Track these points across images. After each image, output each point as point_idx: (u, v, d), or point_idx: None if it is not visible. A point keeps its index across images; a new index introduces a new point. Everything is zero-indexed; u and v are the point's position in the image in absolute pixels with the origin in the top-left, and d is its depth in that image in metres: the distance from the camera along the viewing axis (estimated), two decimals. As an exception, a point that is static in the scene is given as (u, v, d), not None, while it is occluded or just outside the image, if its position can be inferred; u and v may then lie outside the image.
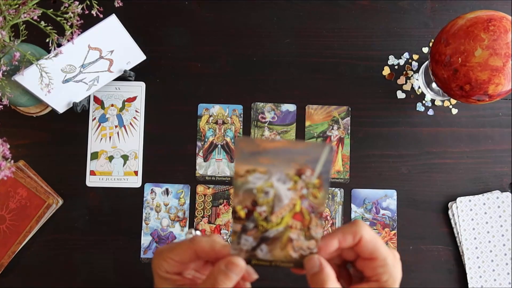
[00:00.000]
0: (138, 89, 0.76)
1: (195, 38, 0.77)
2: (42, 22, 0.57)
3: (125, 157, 0.75)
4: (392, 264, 0.38)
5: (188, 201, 0.74)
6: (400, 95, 0.77)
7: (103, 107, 0.76)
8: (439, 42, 0.64)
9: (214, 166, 0.75)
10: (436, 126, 0.76)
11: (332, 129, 0.76)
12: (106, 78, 0.73)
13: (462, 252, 0.73)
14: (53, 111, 0.72)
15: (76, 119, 0.75)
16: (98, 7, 0.58)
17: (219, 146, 0.76)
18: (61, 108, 0.72)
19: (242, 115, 0.76)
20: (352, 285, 0.41)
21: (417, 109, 0.77)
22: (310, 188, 0.37)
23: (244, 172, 0.37)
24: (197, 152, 0.75)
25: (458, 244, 0.74)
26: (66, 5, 0.57)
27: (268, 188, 0.37)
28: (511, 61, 0.60)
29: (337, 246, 0.39)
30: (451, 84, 0.63)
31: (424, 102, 0.77)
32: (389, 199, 0.75)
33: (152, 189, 0.75)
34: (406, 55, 0.78)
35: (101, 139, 0.75)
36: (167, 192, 0.75)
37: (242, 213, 0.38)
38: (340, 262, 0.42)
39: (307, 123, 0.76)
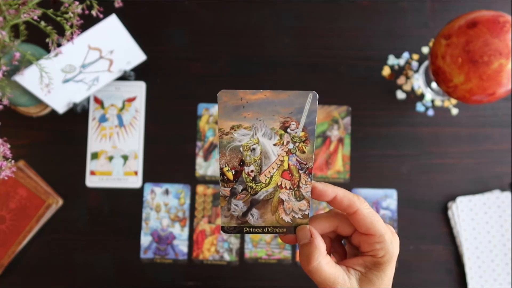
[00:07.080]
0: (138, 89, 0.76)
1: (195, 38, 0.77)
2: (42, 22, 0.57)
3: (125, 157, 0.75)
4: (389, 241, 0.38)
5: (188, 201, 0.74)
6: (400, 95, 0.77)
7: (103, 107, 0.76)
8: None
9: (214, 166, 0.75)
10: (436, 126, 0.76)
11: (332, 129, 0.76)
12: (106, 78, 0.73)
13: (462, 252, 0.73)
14: (53, 111, 0.72)
15: (76, 119, 0.75)
16: (98, 7, 0.58)
17: (219, 146, 0.76)
18: (61, 108, 0.72)
19: (242, 115, 0.76)
20: (346, 259, 0.40)
21: (417, 109, 0.77)
22: (297, 142, 0.36)
23: (229, 129, 0.35)
24: (197, 152, 0.75)
25: (458, 244, 0.74)
26: (66, 5, 0.57)
27: (255, 144, 0.36)
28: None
29: (330, 198, 0.38)
30: None
31: (424, 102, 0.77)
32: (389, 199, 0.75)
33: (152, 189, 0.75)
34: (406, 55, 0.78)
35: (101, 139, 0.75)
36: (167, 192, 0.75)
37: (229, 175, 0.37)
38: (334, 236, 0.41)
39: (307, 123, 0.76)
